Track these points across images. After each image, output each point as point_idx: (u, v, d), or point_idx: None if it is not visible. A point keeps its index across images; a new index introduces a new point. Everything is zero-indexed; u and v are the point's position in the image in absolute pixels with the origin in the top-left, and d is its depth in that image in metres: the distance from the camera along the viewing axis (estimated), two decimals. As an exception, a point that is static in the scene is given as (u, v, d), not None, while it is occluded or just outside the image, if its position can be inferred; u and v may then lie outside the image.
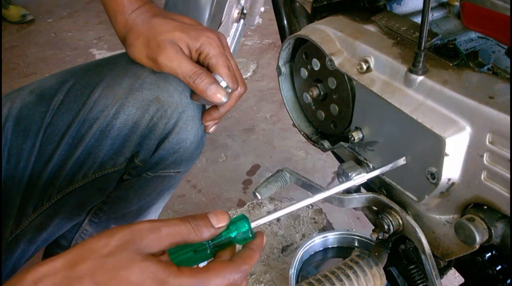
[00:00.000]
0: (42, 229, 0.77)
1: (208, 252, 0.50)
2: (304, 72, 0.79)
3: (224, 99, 0.68)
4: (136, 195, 0.84)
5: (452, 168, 0.57)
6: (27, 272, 0.43)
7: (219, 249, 0.51)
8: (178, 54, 0.68)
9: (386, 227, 0.68)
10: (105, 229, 0.47)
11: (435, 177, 0.58)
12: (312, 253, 1.19)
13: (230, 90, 0.70)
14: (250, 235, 0.52)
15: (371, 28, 0.70)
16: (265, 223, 1.40)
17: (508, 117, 0.50)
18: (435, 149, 0.56)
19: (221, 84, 0.68)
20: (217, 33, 0.72)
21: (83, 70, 0.76)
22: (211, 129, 0.80)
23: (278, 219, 1.44)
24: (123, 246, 0.44)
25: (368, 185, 0.76)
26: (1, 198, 0.71)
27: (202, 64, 0.71)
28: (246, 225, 0.51)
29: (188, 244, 0.49)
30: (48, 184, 0.74)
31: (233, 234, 0.51)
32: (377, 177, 0.70)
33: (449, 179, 0.58)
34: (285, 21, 0.94)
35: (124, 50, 0.75)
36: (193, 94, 0.76)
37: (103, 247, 0.44)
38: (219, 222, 0.50)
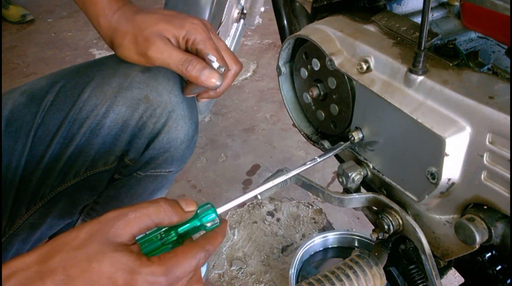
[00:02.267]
0: (36, 228, 0.77)
1: (176, 238, 0.51)
2: (304, 72, 0.79)
3: (218, 83, 0.67)
4: (128, 194, 0.84)
5: (452, 168, 0.57)
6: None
7: (185, 237, 0.52)
8: (167, 45, 0.68)
9: (386, 227, 0.68)
10: None
11: (435, 177, 0.58)
12: (312, 253, 1.19)
13: (223, 70, 0.69)
14: (217, 222, 0.53)
15: (371, 28, 0.70)
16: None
17: (508, 117, 0.50)
18: (435, 149, 0.56)
19: (213, 64, 0.68)
20: (200, 19, 0.72)
21: (73, 71, 0.76)
22: (203, 99, 0.79)
23: (278, 219, 1.44)
24: (92, 238, 0.45)
25: (368, 185, 0.76)
26: None
27: (191, 51, 0.71)
28: (214, 214, 0.53)
29: (156, 236, 0.50)
30: (40, 183, 0.74)
31: (201, 222, 0.52)
32: (377, 176, 0.70)
33: (449, 179, 0.58)
34: (285, 21, 0.94)
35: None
36: (185, 88, 0.76)
37: (73, 240, 0.45)
38: (188, 207, 0.51)
